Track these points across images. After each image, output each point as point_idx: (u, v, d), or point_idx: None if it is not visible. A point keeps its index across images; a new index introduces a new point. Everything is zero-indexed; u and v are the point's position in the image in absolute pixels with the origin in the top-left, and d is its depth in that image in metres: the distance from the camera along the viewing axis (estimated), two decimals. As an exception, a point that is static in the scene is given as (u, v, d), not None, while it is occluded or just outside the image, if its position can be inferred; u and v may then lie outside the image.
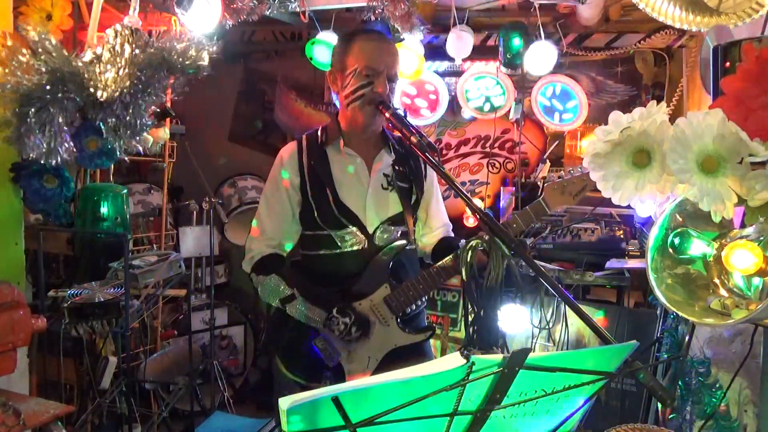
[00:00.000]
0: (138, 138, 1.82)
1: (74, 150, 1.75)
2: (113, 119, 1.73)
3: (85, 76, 1.68)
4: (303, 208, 1.91)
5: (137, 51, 1.70)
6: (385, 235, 1.90)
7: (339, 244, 1.88)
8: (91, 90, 1.67)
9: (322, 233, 1.89)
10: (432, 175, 2.03)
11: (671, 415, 2.30)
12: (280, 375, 1.94)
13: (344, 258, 1.88)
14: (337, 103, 1.94)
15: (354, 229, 1.87)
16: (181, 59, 1.74)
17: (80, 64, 1.69)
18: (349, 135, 1.91)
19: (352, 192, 1.89)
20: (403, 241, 1.90)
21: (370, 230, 1.89)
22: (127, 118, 1.74)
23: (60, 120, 1.64)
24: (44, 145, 1.63)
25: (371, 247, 1.88)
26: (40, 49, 1.60)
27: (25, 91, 1.58)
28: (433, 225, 2.08)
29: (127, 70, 1.68)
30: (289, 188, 1.90)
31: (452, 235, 2.11)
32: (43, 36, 1.61)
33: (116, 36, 1.72)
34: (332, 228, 1.87)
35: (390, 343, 1.85)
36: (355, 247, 1.88)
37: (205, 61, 1.80)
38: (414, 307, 1.93)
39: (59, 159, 1.68)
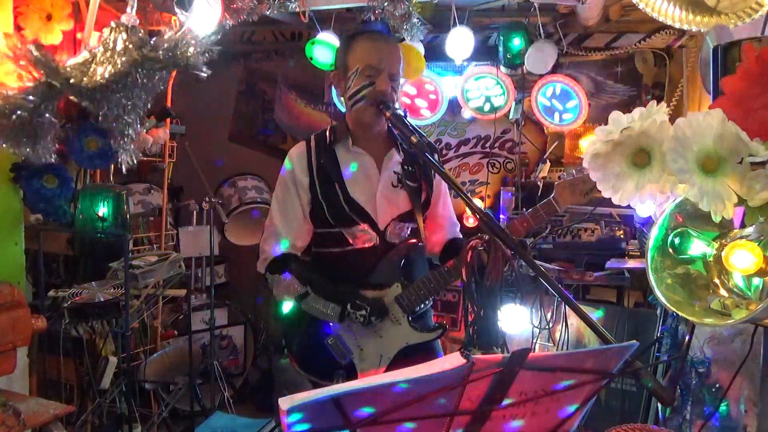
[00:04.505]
0: (136, 132, 1.81)
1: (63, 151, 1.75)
2: (109, 112, 1.73)
3: (82, 76, 1.68)
4: (313, 206, 1.92)
5: (131, 46, 1.70)
6: (396, 232, 1.92)
7: (351, 241, 1.90)
8: (86, 88, 1.67)
9: (333, 231, 1.91)
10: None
11: (671, 415, 2.30)
12: (292, 372, 1.96)
13: (356, 255, 1.90)
14: (341, 105, 1.95)
15: (365, 226, 1.89)
16: (177, 54, 1.74)
17: (74, 64, 1.69)
18: (356, 134, 1.92)
19: (362, 189, 1.90)
20: (414, 240, 1.92)
21: (381, 227, 1.90)
22: (124, 112, 1.74)
23: (50, 121, 1.64)
24: (35, 146, 1.63)
25: (383, 244, 1.90)
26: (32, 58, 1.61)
27: (16, 97, 1.58)
28: (442, 223, 2.09)
29: (120, 66, 1.68)
30: (299, 188, 1.92)
31: (460, 236, 2.11)
32: (34, 47, 1.61)
33: (111, 32, 1.72)
34: (343, 225, 1.89)
35: (401, 341, 1.87)
36: (366, 244, 1.90)
37: (199, 59, 1.80)
38: (422, 305, 1.94)
39: (50, 158, 1.68)
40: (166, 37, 1.74)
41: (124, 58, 1.68)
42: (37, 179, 2.30)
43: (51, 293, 2.47)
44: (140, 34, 1.73)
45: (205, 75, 1.81)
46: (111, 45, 1.69)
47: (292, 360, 1.98)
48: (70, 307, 2.38)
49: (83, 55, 1.73)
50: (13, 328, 1.86)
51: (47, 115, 1.66)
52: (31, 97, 1.62)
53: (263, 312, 4.32)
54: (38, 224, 2.59)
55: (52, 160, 1.71)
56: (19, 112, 1.60)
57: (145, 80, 1.72)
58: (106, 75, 1.66)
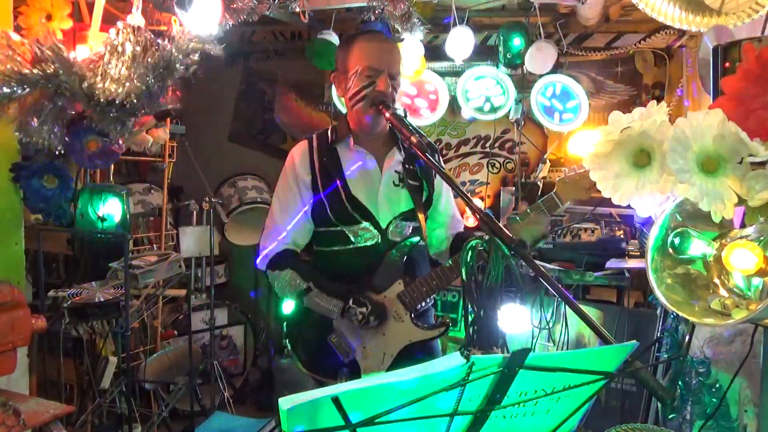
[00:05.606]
0: (131, 130, 1.82)
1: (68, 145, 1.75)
2: (114, 117, 1.73)
3: (86, 75, 1.68)
4: (315, 205, 1.93)
5: (138, 49, 1.71)
6: (398, 230, 1.93)
7: (353, 239, 1.90)
8: (91, 89, 1.68)
9: (335, 229, 1.91)
10: None
11: (671, 415, 2.30)
12: (294, 371, 1.97)
13: (358, 253, 1.90)
14: (342, 106, 1.96)
15: (367, 224, 1.90)
16: (182, 60, 1.75)
17: (81, 63, 1.70)
18: (357, 134, 1.93)
19: (364, 188, 1.91)
20: (417, 238, 1.93)
21: (383, 225, 1.91)
22: (126, 117, 1.74)
23: (57, 115, 1.65)
24: (43, 137, 1.64)
25: (385, 243, 1.91)
26: (38, 50, 1.61)
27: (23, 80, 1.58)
28: (446, 221, 2.09)
29: (129, 69, 1.68)
30: (300, 186, 1.93)
31: (464, 231, 2.11)
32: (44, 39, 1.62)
33: (118, 35, 1.72)
34: (345, 224, 1.90)
35: (404, 338, 1.87)
36: (368, 243, 1.90)
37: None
38: (424, 303, 1.95)
39: (56, 150, 1.69)
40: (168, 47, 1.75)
41: (134, 65, 1.68)
42: (37, 179, 2.29)
43: (51, 293, 2.47)
44: (147, 36, 1.74)
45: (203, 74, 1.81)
46: (120, 49, 1.70)
47: (295, 358, 1.98)
48: (70, 307, 2.38)
49: (90, 57, 1.73)
50: (13, 328, 1.86)
51: (56, 101, 1.65)
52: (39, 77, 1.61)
53: (263, 311, 4.33)
54: (38, 224, 2.59)
55: (59, 150, 1.71)
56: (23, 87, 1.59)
57: (156, 89, 1.73)
58: (113, 83, 1.67)
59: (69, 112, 1.73)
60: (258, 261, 1.98)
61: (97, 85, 1.68)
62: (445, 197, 2.07)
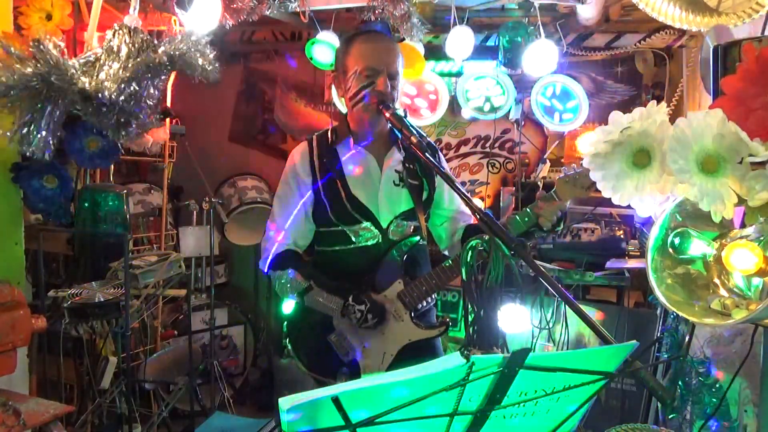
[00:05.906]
0: (135, 134, 1.81)
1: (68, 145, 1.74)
2: (109, 117, 1.73)
3: (81, 76, 1.67)
4: (316, 205, 1.94)
5: (134, 48, 1.71)
6: (399, 230, 1.94)
7: (354, 239, 1.91)
8: (87, 88, 1.67)
9: (336, 229, 1.93)
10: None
11: (671, 415, 2.30)
12: (295, 371, 1.98)
13: (359, 253, 1.92)
14: (342, 106, 1.97)
15: (368, 224, 1.91)
16: (182, 61, 1.74)
17: (77, 64, 1.70)
18: (358, 134, 1.94)
19: (364, 188, 1.92)
20: (416, 237, 1.93)
21: (384, 225, 1.92)
22: (123, 118, 1.74)
23: (54, 116, 1.64)
24: (38, 140, 1.63)
25: (385, 242, 1.92)
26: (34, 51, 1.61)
27: (19, 84, 1.58)
28: (453, 215, 2.09)
29: (124, 68, 1.68)
30: (301, 187, 1.94)
31: (472, 221, 2.10)
32: (39, 39, 1.61)
33: (114, 35, 1.72)
34: (346, 224, 1.91)
35: (404, 338, 1.88)
36: (369, 242, 1.92)
37: (211, 67, 1.81)
38: (425, 303, 1.95)
39: (49, 154, 1.68)
40: (169, 44, 1.75)
41: (129, 65, 1.68)
42: (37, 179, 2.29)
43: (51, 293, 2.47)
44: (143, 36, 1.74)
45: (215, 79, 1.81)
46: (115, 49, 1.70)
47: (295, 358, 1.99)
48: (70, 307, 2.38)
49: (86, 57, 1.73)
50: (13, 328, 1.86)
51: (50, 106, 1.65)
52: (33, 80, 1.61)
53: (263, 311, 4.33)
54: (38, 224, 2.59)
55: (47, 157, 1.71)
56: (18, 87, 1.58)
57: (151, 89, 1.72)
58: (108, 81, 1.66)
59: (64, 116, 1.73)
60: (261, 262, 1.99)
61: (93, 86, 1.68)
62: (447, 194, 2.07)
